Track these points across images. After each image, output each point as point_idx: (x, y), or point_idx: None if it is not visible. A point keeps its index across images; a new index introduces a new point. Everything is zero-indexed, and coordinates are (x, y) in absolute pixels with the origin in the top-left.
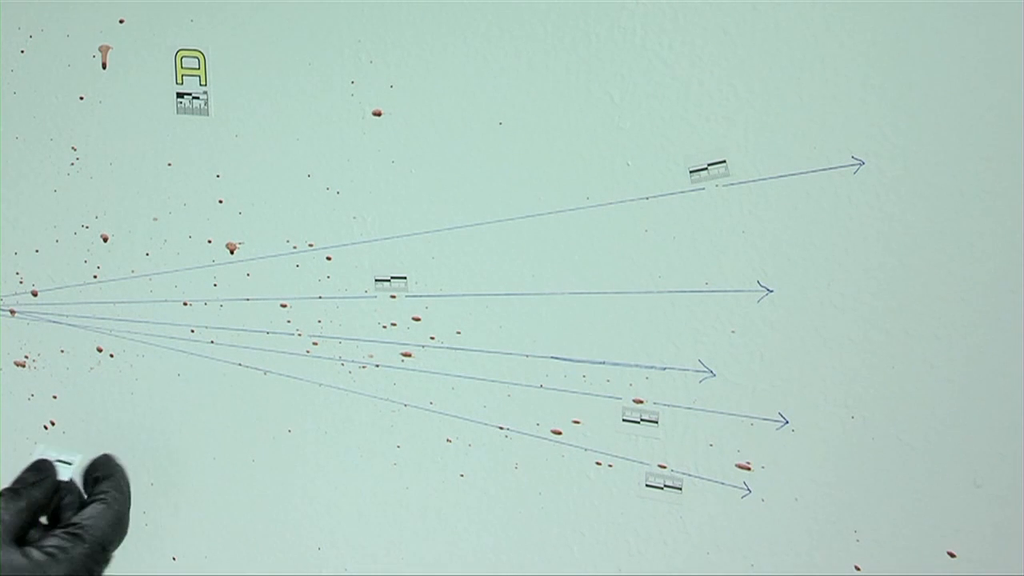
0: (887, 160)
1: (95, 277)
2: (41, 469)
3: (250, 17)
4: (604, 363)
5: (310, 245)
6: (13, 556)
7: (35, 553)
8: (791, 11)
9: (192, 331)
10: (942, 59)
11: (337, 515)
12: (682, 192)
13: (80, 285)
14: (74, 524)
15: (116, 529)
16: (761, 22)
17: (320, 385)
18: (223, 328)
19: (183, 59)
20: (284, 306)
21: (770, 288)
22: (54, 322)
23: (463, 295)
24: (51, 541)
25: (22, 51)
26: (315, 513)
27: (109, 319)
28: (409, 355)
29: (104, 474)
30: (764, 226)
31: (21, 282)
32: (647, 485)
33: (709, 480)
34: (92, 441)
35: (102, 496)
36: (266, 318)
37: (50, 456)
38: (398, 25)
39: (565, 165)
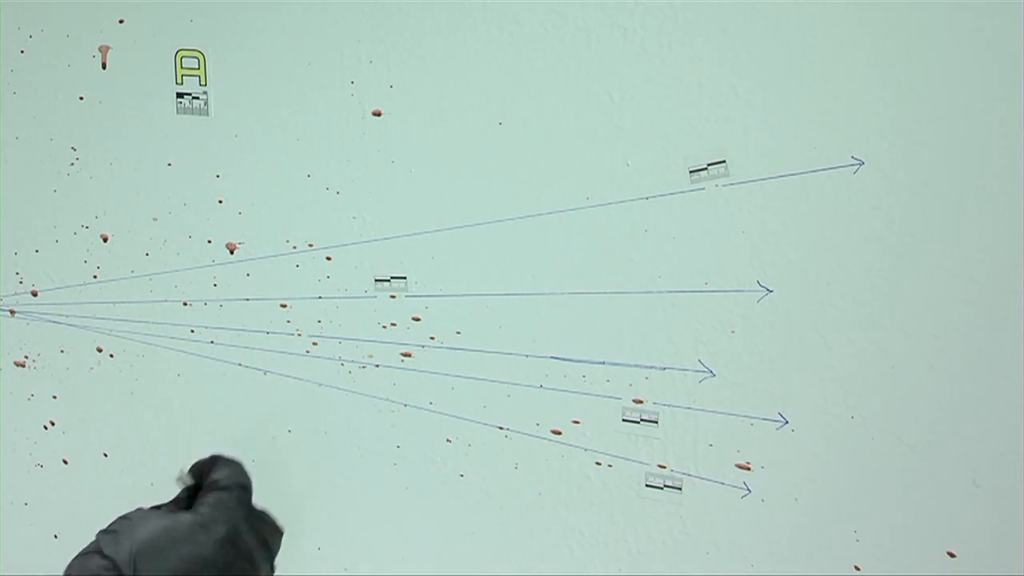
0: (887, 160)
1: (95, 277)
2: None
3: (250, 17)
4: (604, 363)
5: (310, 245)
6: (184, 516)
7: (202, 509)
8: (791, 11)
9: (192, 331)
10: (942, 59)
11: (337, 515)
12: (682, 192)
13: (80, 285)
14: (213, 481)
15: (243, 472)
16: (761, 22)
17: (320, 385)
18: (223, 328)
19: (183, 59)
20: (284, 306)
21: (770, 288)
22: (54, 322)
23: (463, 295)
24: (206, 498)
25: (22, 51)
26: (315, 513)
27: (109, 319)
28: (409, 355)
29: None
30: (764, 226)
31: (21, 282)
32: (647, 485)
33: (709, 480)
34: (92, 441)
35: (216, 463)
36: (266, 318)
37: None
38: (398, 25)
39: (565, 165)
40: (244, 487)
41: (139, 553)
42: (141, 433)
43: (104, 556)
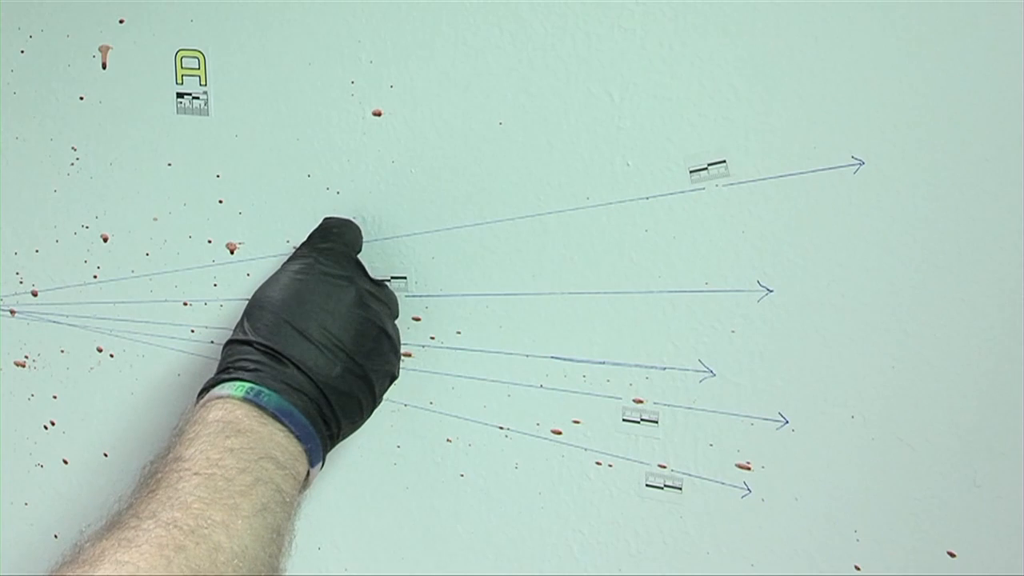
0: (887, 160)
1: (95, 277)
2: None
3: (250, 17)
4: (604, 363)
5: None
6: None
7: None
8: (791, 11)
9: (192, 331)
10: (942, 59)
11: (337, 515)
12: (682, 192)
13: (80, 285)
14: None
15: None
16: (761, 22)
17: None
18: (223, 328)
19: (183, 59)
20: None
21: (770, 288)
22: (54, 322)
23: (463, 295)
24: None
25: (22, 51)
26: (315, 513)
27: (109, 319)
28: (409, 355)
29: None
30: (764, 226)
31: (21, 282)
32: (647, 485)
33: (709, 480)
34: (92, 441)
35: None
36: None
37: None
38: (398, 25)
39: (565, 165)
40: (351, 247)
41: (246, 313)
42: (141, 433)
43: (228, 344)
